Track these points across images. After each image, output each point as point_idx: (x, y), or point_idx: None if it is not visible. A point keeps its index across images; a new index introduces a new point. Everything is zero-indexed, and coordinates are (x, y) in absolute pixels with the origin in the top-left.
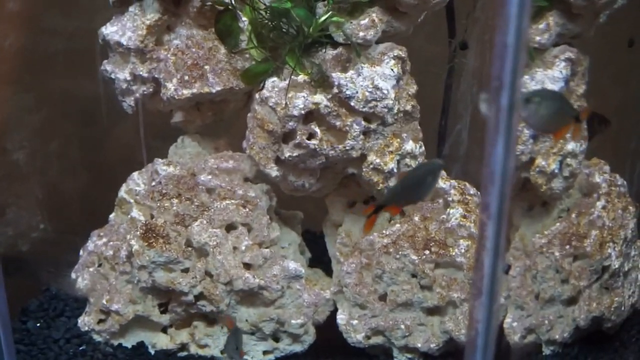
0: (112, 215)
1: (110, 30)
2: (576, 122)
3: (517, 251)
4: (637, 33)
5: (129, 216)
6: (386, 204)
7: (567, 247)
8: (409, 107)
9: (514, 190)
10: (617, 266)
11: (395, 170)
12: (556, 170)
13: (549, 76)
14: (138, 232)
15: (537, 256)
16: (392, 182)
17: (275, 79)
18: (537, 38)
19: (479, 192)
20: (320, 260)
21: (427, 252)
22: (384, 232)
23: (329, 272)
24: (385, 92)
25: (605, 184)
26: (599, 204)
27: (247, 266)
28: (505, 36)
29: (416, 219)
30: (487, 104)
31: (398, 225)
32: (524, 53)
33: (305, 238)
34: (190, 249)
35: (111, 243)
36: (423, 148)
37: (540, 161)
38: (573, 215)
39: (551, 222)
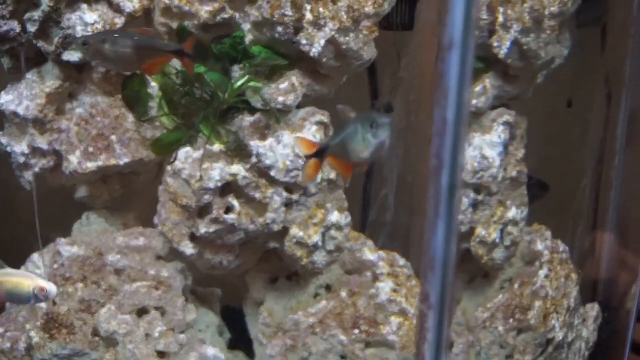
0: (9, 303)
1: (5, 100)
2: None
3: (459, 326)
4: (575, 93)
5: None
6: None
7: (511, 320)
8: (332, 175)
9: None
10: (561, 337)
11: (320, 243)
12: (497, 240)
13: (487, 141)
14: (38, 322)
15: (480, 331)
16: (316, 256)
17: (188, 148)
18: (474, 101)
19: (409, 263)
20: (241, 339)
21: (356, 331)
22: (309, 310)
23: (250, 354)
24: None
25: (547, 251)
26: (542, 272)
27: (161, 354)
28: (444, 111)
29: (343, 294)
30: None
31: (324, 302)
32: (465, 129)
33: (224, 315)
34: (97, 338)
35: (8, 334)
36: (349, 218)
37: (480, 231)
38: (516, 286)
39: (493, 294)
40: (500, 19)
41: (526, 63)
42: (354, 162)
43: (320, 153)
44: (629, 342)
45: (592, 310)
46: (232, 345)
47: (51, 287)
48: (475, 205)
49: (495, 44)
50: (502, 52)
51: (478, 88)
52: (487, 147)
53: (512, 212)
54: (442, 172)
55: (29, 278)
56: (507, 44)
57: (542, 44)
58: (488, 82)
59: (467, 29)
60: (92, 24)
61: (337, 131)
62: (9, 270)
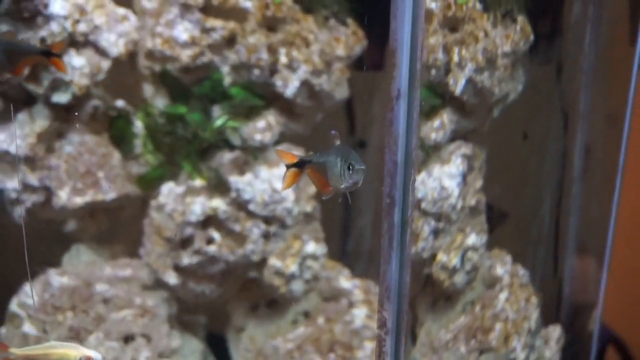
0: (3, 330)
1: None
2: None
3: (423, 347)
4: (531, 126)
5: (21, 331)
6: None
7: (473, 341)
8: (309, 209)
9: (418, 287)
10: (522, 358)
11: (297, 273)
12: (458, 265)
13: (446, 172)
14: None
15: (444, 352)
16: (294, 285)
17: (171, 184)
18: (432, 135)
19: None
20: None
21: (332, 355)
22: (288, 336)
23: None
24: (284, 194)
25: (507, 275)
26: (502, 296)
27: None
28: (395, 155)
29: (320, 320)
30: None
31: (302, 328)
32: (413, 170)
33: (209, 341)
34: None
35: None
36: (325, 249)
37: (441, 257)
38: (477, 309)
39: (456, 316)
40: (455, 59)
41: (481, 99)
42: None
43: (300, 164)
44: None
45: (554, 332)
46: None
47: (97, 355)
48: (436, 232)
49: (451, 82)
50: (457, 90)
51: (436, 123)
52: (446, 178)
53: (472, 239)
54: (394, 209)
55: (74, 349)
56: (462, 82)
57: (495, 81)
58: (445, 117)
59: (413, 82)
60: (80, 68)
61: (320, 153)
62: (54, 342)
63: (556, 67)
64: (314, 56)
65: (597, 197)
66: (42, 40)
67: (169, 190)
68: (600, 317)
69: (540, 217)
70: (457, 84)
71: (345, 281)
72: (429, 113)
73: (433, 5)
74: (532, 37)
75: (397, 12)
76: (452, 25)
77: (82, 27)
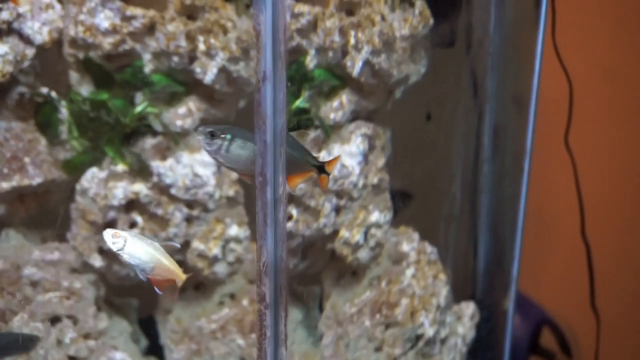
0: None
1: None
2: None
3: (328, 320)
4: (436, 108)
5: None
6: None
7: (378, 315)
8: (231, 193)
9: (323, 261)
10: (432, 334)
11: (219, 255)
12: (361, 242)
13: (347, 151)
14: None
15: (349, 325)
16: (217, 268)
17: (95, 169)
18: (332, 115)
19: None
20: (158, 346)
21: (254, 335)
22: (213, 316)
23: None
24: (206, 179)
25: (414, 252)
26: (408, 272)
27: (72, 359)
28: (264, 134)
29: (245, 302)
30: None
31: (227, 309)
32: (282, 150)
33: (145, 324)
34: None
35: None
36: (249, 232)
37: (344, 233)
38: (383, 284)
39: (362, 291)
40: (352, 41)
41: (379, 80)
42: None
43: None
44: (508, 341)
45: (468, 308)
46: (148, 352)
47: None
48: (337, 209)
49: (348, 64)
50: (355, 72)
51: (335, 103)
52: (346, 157)
53: (375, 216)
54: (267, 188)
55: None
56: (360, 64)
57: (394, 63)
58: (345, 98)
59: (276, 64)
60: (4, 55)
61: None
62: None
63: (462, 50)
64: (231, 43)
65: (508, 176)
66: None
67: (92, 175)
68: (515, 293)
69: (451, 196)
70: (355, 66)
71: None
72: (329, 94)
73: None
74: (431, 21)
75: None
76: (348, 8)
77: (4, 16)
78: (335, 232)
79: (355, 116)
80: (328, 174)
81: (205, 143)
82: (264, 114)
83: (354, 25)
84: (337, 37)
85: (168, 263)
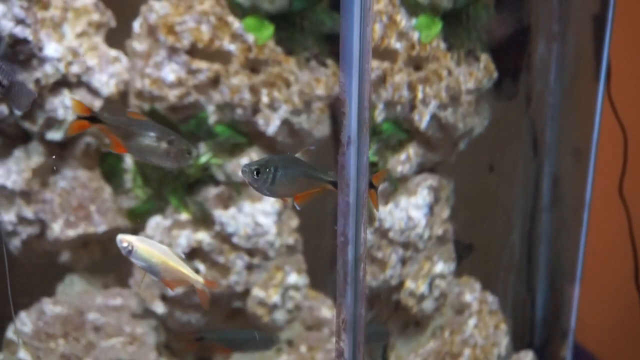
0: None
1: None
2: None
3: None
4: (496, 158)
5: (16, 358)
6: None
7: None
8: (291, 241)
9: (389, 312)
10: None
11: (279, 303)
12: (426, 292)
13: (412, 203)
14: None
15: None
16: (276, 315)
17: (158, 218)
18: (399, 168)
19: None
20: None
21: None
22: None
23: None
24: (267, 227)
25: (476, 302)
26: (471, 322)
27: None
28: (347, 196)
29: (303, 349)
30: None
31: (285, 356)
32: (365, 211)
33: None
34: None
35: None
36: (307, 279)
37: (409, 284)
38: (446, 334)
39: (426, 341)
40: (420, 96)
41: (446, 133)
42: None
43: (92, 119)
44: None
45: (526, 357)
46: None
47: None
48: (403, 261)
49: (416, 117)
50: (422, 125)
51: (402, 156)
52: (413, 209)
53: (440, 267)
54: (348, 247)
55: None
56: (427, 117)
57: (459, 116)
58: (411, 151)
59: (361, 129)
60: (73, 107)
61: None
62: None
63: (523, 102)
64: (294, 96)
65: (567, 226)
66: (37, 81)
67: (156, 224)
68: (573, 343)
69: (510, 245)
70: (422, 120)
71: (328, 311)
72: (396, 147)
73: (398, 46)
74: (495, 74)
75: (345, 67)
76: (416, 63)
77: (75, 69)
78: (401, 283)
79: (421, 168)
80: (376, 188)
81: (252, 180)
82: (347, 176)
83: (422, 80)
84: (405, 92)
85: (176, 265)
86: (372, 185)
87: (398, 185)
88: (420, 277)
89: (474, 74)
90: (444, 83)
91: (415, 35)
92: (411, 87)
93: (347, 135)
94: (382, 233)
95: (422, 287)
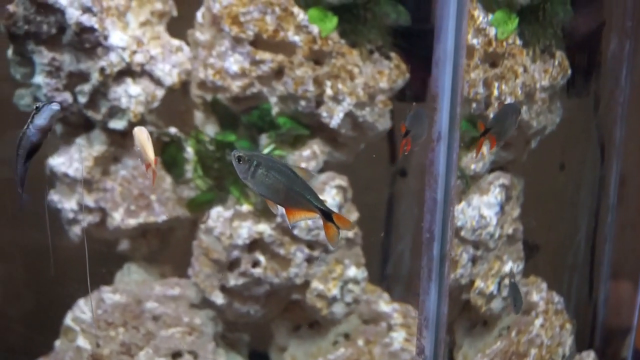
0: (57, 343)
1: (57, 162)
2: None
3: None
4: (568, 157)
5: (75, 345)
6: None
7: None
8: (350, 234)
9: (457, 311)
10: None
11: (338, 296)
12: (495, 292)
13: (485, 202)
14: None
15: None
16: (335, 308)
17: (220, 208)
18: (472, 166)
19: None
20: None
21: None
22: (328, 356)
23: None
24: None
25: (543, 302)
26: (537, 322)
27: None
28: (434, 193)
29: (360, 342)
30: None
31: (342, 349)
32: (452, 208)
33: (252, 359)
34: None
35: None
36: (366, 273)
37: (479, 283)
38: (513, 334)
39: (492, 341)
40: (495, 93)
41: (519, 131)
42: None
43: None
44: None
45: (588, 357)
46: None
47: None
48: (474, 260)
49: (491, 115)
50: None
51: (474, 154)
52: (484, 208)
53: (509, 266)
54: (434, 244)
55: None
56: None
57: (533, 114)
58: (485, 149)
59: (452, 126)
60: (136, 96)
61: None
62: None
63: (593, 100)
64: (358, 89)
65: (632, 225)
66: (102, 69)
67: (217, 214)
68: (634, 343)
69: (576, 245)
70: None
71: (385, 305)
72: (469, 144)
73: (475, 42)
74: (569, 72)
75: (438, 60)
76: (492, 60)
77: (138, 58)
78: (471, 283)
79: (493, 167)
80: (338, 228)
81: (235, 164)
82: (435, 172)
83: (498, 77)
84: (481, 89)
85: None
86: (330, 219)
87: (470, 183)
88: (489, 277)
89: (548, 71)
90: (519, 80)
91: (492, 32)
92: (487, 84)
93: (438, 131)
94: (454, 232)
95: (492, 287)
